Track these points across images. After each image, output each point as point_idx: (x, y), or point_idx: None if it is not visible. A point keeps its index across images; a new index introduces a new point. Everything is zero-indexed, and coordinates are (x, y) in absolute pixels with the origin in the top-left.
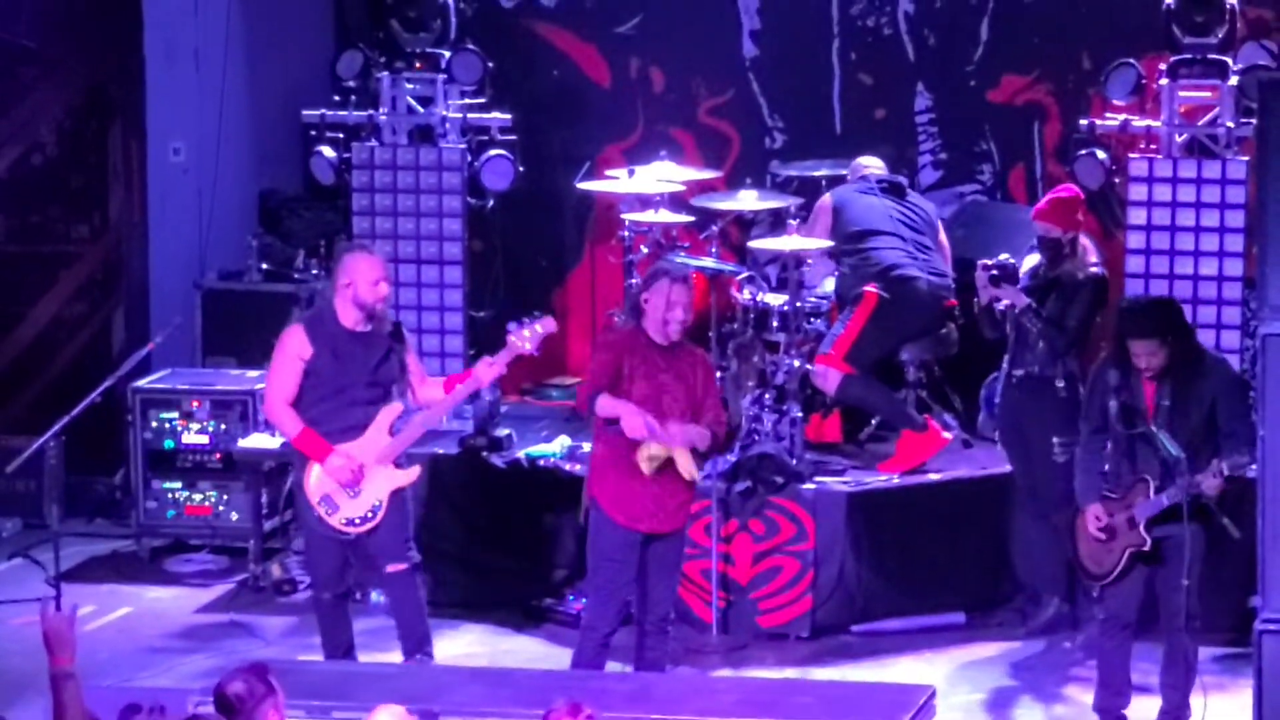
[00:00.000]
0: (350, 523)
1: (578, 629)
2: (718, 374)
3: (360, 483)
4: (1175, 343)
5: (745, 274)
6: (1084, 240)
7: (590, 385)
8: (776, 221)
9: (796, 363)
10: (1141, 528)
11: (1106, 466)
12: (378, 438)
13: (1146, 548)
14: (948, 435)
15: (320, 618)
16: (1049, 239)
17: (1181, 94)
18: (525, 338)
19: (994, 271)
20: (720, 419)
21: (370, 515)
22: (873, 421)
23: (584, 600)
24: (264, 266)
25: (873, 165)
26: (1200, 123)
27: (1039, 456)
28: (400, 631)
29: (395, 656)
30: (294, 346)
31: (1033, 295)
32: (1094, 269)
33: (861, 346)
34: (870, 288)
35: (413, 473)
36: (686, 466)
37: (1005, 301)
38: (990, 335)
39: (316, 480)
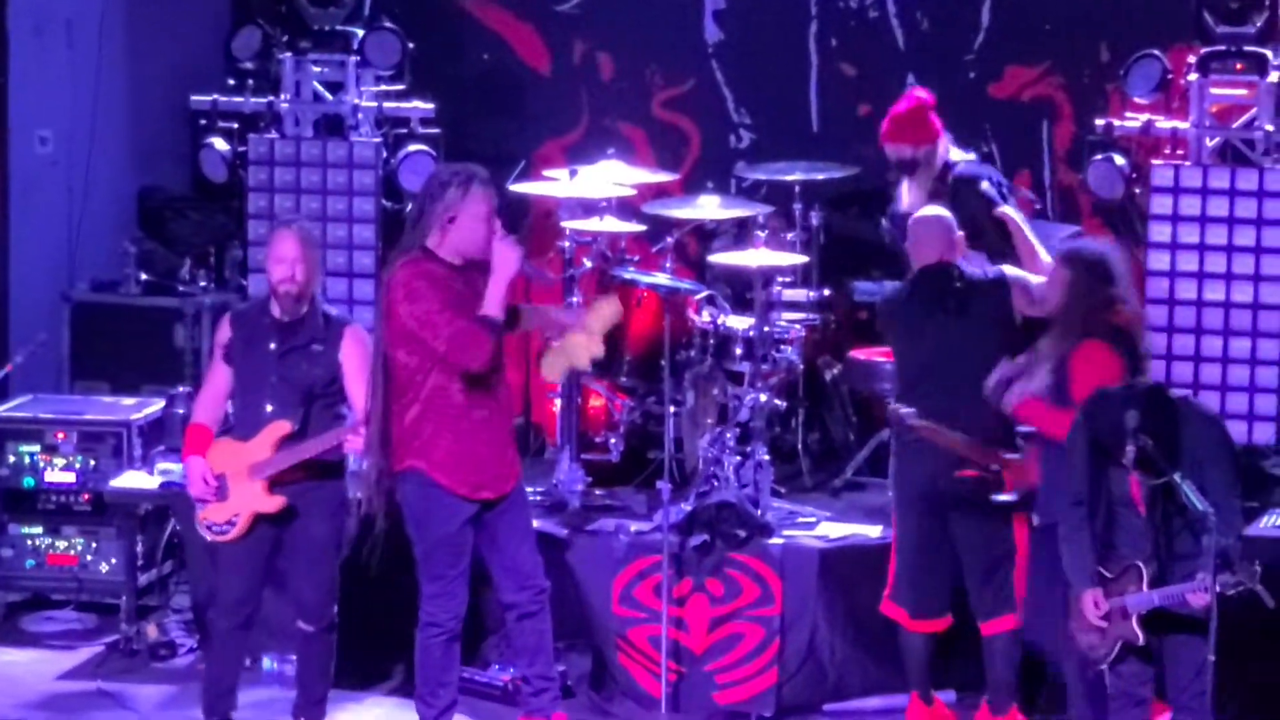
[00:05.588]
0: (206, 526)
1: (504, 703)
2: (671, 409)
3: (216, 493)
4: (1167, 432)
5: (704, 293)
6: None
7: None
8: (741, 233)
9: (763, 396)
10: (1134, 621)
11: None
12: (258, 449)
13: (1139, 643)
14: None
15: (211, 646)
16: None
17: (1213, 91)
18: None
19: None
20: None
21: (225, 527)
22: (849, 467)
23: (510, 670)
24: (143, 277)
25: None
26: (1234, 125)
27: None
28: (297, 688)
29: None
30: (219, 332)
31: None
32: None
33: None
34: None
35: (276, 502)
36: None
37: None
38: None
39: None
